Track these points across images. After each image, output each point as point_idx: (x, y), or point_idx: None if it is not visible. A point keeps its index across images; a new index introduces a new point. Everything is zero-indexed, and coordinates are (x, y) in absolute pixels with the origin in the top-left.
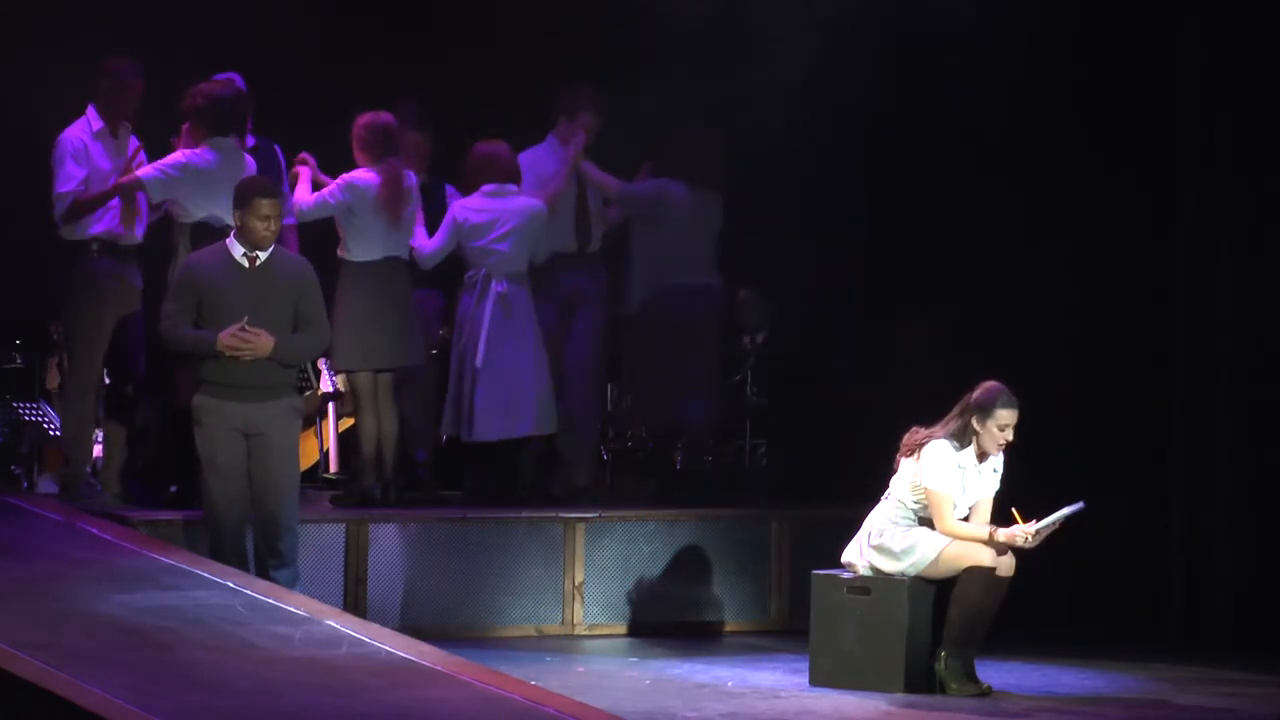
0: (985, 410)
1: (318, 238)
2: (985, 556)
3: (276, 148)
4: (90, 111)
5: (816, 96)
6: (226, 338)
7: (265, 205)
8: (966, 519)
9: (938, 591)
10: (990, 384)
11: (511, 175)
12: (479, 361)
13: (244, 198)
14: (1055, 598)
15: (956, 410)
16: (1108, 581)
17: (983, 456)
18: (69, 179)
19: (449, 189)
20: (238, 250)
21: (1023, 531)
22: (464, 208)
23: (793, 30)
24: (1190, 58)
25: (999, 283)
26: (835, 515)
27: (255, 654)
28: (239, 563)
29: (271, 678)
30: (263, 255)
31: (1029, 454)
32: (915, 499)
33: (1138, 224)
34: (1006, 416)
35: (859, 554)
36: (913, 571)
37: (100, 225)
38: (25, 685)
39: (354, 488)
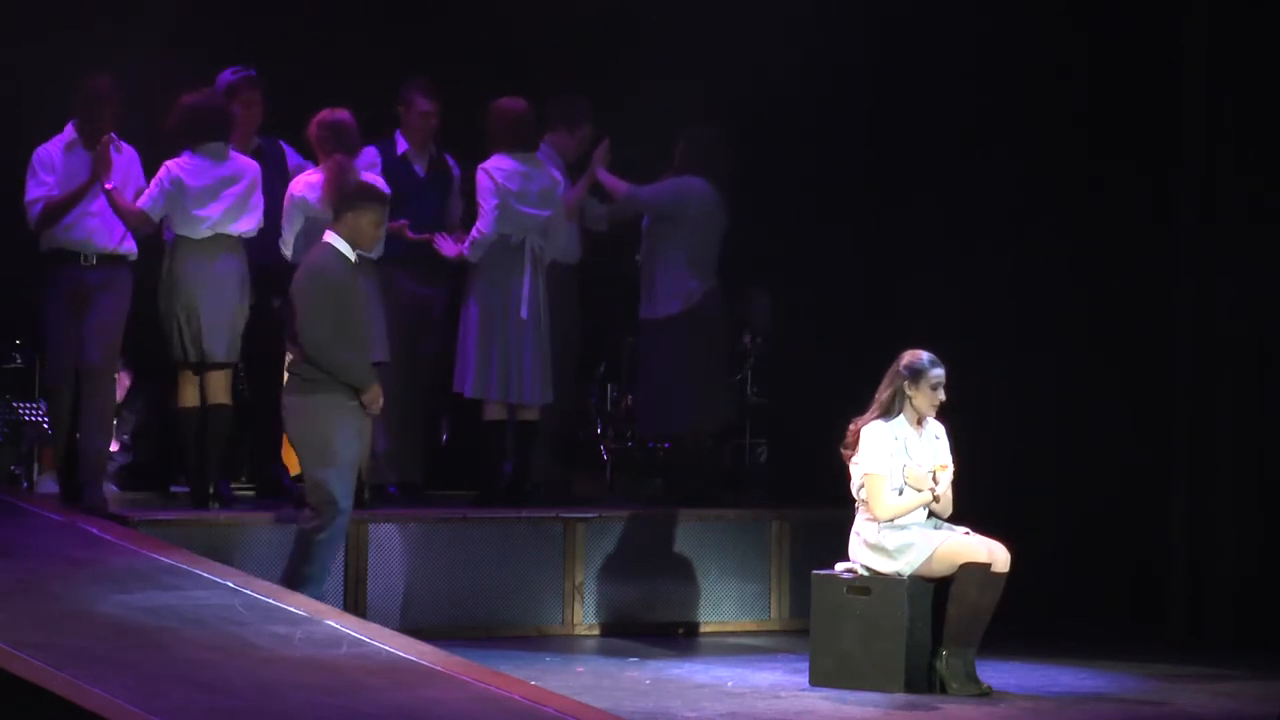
0: (917, 374)
1: None
2: (980, 553)
3: (283, 144)
4: (68, 127)
5: (811, 89)
6: (376, 403)
7: (380, 210)
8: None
9: (937, 591)
10: (914, 350)
11: (535, 140)
12: (525, 314)
13: (365, 201)
14: (1055, 597)
15: (885, 382)
16: (1108, 580)
17: (920, 422)
18: (39, 185)
19: (448, 158)
20: (351, 255)
21: (951, 472)
22: (498, 170)
23: (786, 20)
24: (1195, 39)
25: (999, 279)
26: (835, 515)
27: (255, 654)
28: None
29: (271, 678)
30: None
31: (1030, 451)
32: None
33: (1138, 211)
34: (937, 376)
35: (852, 563)
36: (908, 570)
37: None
38: (25, 685)
39: None
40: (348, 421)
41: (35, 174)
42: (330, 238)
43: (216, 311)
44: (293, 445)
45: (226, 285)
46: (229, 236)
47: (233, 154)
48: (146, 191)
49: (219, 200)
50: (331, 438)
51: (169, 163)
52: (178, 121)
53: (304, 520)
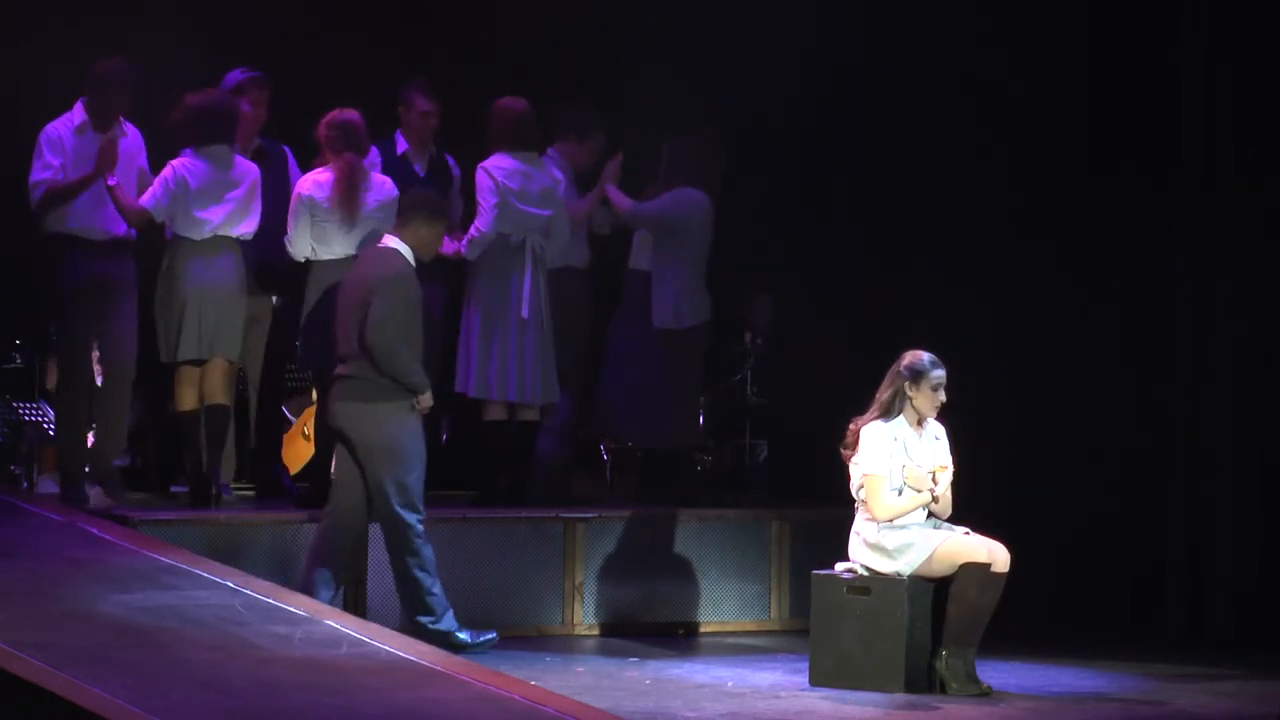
0: (918, 374)
1: None
2: (980, 553)
3: (286, 149)
4: (77, 107)
5: (811, 88)
6: (426, 405)
7: (446, 225)
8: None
9: (937, 591)
10: (915, 351)
11: (536, 139)
12: (525, 313)
13: (436, 215)
14: (1055, 597)
15: (886, 383)
16: (1108, 581)
17: (920, 423)
18: (44, 168)
19: (449, 158)
20: (412, 261)
21: (950, 473)
22: (498, 169)
23: (786, 20)
24: (1195, 38)
25: (999, 279)
26: (835, 515)
27: (255, 654)
28: None
29: (271, 678)
30: None
31: (1030, 451)
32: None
33: (1138, 211)
34: (939, 377)
35: (852, 563)
36: (908, 570)
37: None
38: (25, 685)
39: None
40: (415, 422)
41: (41, 154)
42: (394, 243)
43: (225, 310)
44: (361, 452)
45: (231, 284)
46: (229, 238)
47: (235, 157)
48: (150, 190)
49: (222, 203)
50: (407, 440)
51: (174, 163)
52: (182, 121)
53: (396, 528)
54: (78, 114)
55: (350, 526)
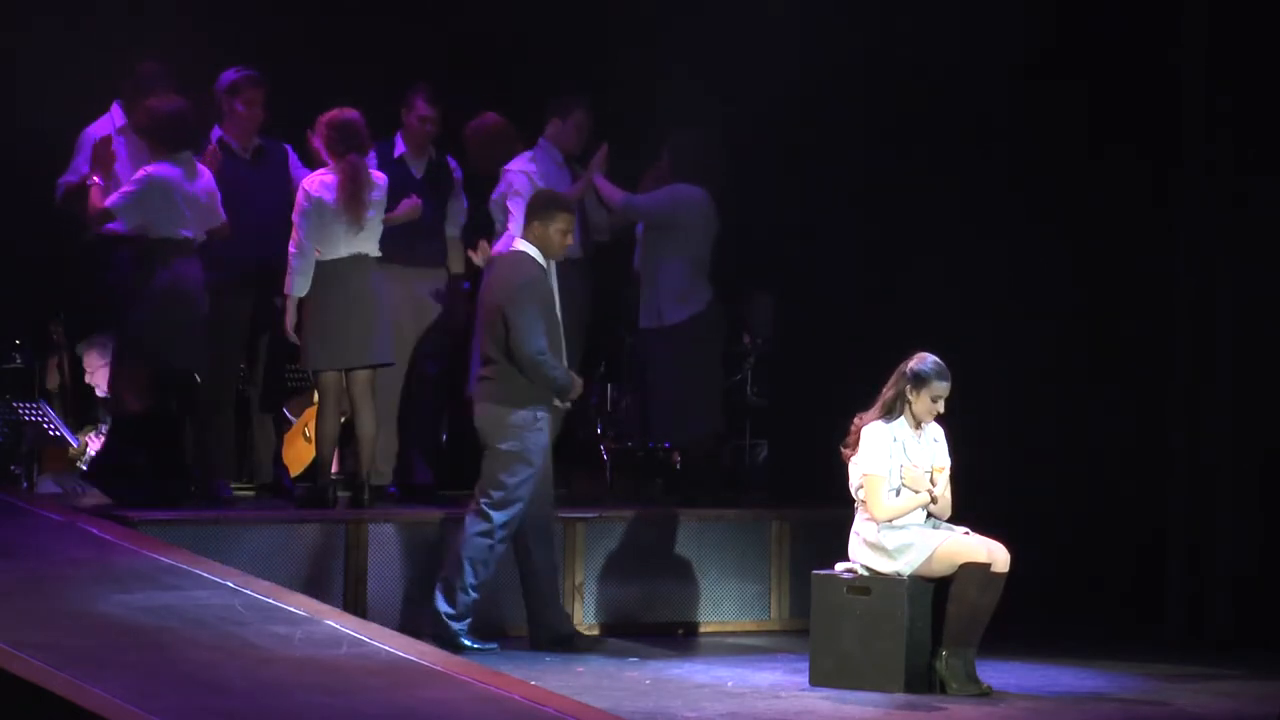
0: (921, 380)
1: None
2: (980, 553)
3: (288, 148)
4: (115, 109)
5: (811, 89)
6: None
7: (568, 219)
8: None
9: (937, 591)
10: (925, 355)
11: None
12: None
13: (549, 209)
14: (1055, 597)
15: (890, 381)
16: (1107, 580)
17: (918, 425)
18: (72, 173)
19: (450, 160)
20: (542, 261)
21: (948, 473)
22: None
23: (787, 20)
24: (1195, 38)
25: (999, 279)
26: (835, 515)
27: (255, 654)
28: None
29: (271, 678)
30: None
31: (1030, 451)
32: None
33: (1138, 211)
34: (940, 389)
35: (852, 563)
36: (908, 570)
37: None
38: (25, 685)
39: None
40: (540, 433)
41: (75, 157)
42: (522, 245)
43: (191, 321)
44: (490, 451)
45: (197, 293)
46: (193, 243)
47: (195, 163)
48: (120, 190)
49: (192, 208)
50: (524, 448)
51: (148, 168)
52: (147, 126)
53: (478, 519)
54: (117, 116)
55: (543, 527)
